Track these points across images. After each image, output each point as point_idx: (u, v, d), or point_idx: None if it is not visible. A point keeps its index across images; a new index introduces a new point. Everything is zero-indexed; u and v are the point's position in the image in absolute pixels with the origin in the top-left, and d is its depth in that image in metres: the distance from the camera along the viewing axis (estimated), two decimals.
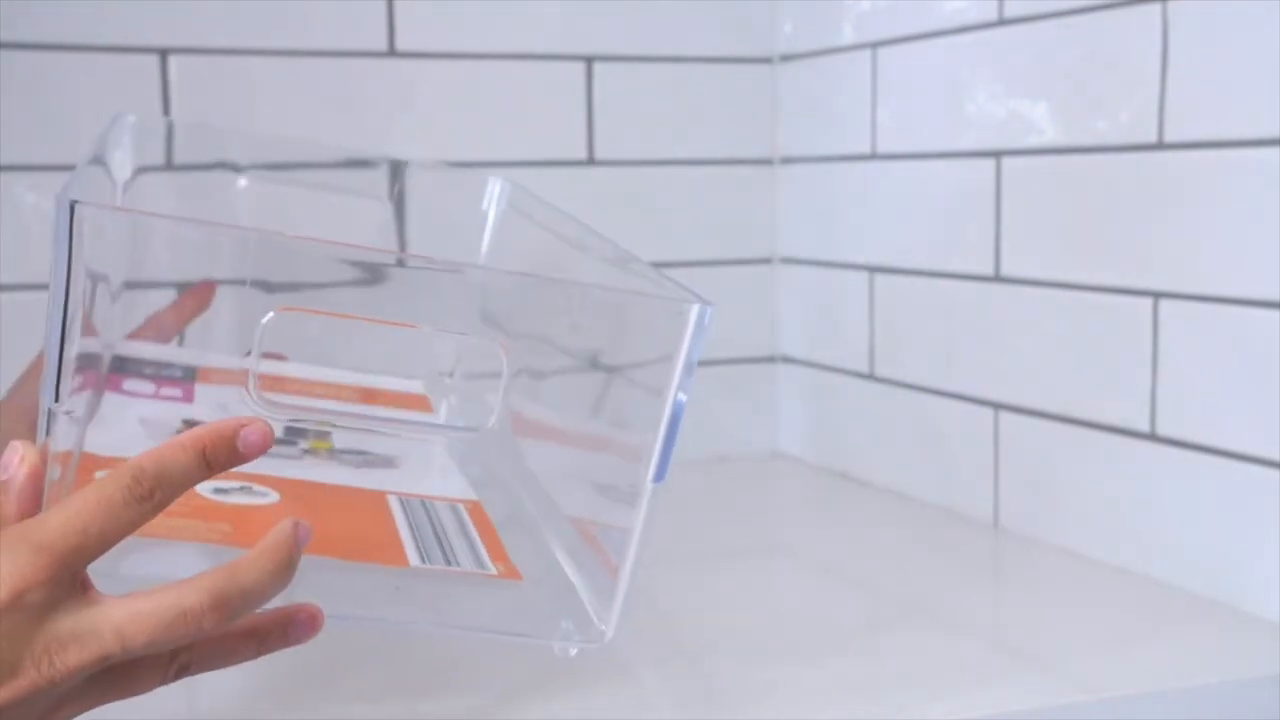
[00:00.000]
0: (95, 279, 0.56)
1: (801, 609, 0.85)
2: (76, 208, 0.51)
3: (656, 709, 0.68)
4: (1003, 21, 0.97)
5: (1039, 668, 0.73)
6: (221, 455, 0.51)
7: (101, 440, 0.63)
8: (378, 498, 0.69)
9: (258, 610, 0.52)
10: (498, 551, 0.66)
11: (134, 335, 0.79)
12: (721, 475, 1.20)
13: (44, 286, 0.53)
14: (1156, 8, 0.84)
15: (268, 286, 0.63)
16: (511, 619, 0.64)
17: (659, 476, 0.59)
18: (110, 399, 0.72)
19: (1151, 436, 0.86)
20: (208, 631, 0.50)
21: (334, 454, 0.73)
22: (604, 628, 0.62)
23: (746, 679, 0.72)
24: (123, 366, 0.75)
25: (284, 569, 0.52)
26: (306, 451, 0.73)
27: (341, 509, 0.67)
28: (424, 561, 0.63)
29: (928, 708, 0.68)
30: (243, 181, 0.87)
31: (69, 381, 0.53)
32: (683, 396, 0.59)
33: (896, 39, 1.08)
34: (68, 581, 0.48)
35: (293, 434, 0.73)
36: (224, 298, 0.77)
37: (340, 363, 0.82)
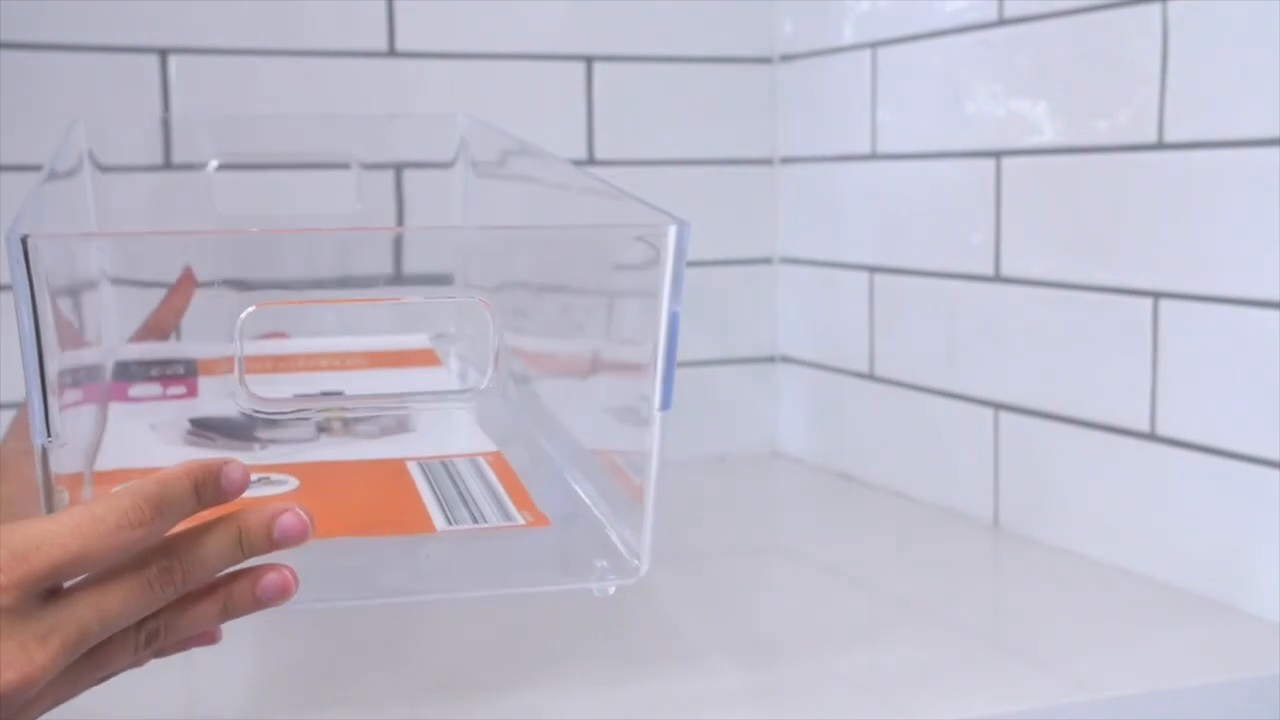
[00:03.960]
0: (75, 292, 0.55)
1: (801, 609, 0.85)
2: (29, 241, 0.48)
3: (654, 709, 0.68)
4: (1003, 21, 0.97)
5: (1039, 668, 0.73)
6: (209, 490, 0.51)
7: (115, 453, 0.62)
8: (397, 466, 0.69)
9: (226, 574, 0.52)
10: (523, 500, 0.65)
11: (135, 339, 0.78)
12: (721, 475, 1.20)
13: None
14: (1156, 8, 0.84)
15: (241, 285, 0.63)
16: (544, 568, 0.64)
17: (665, 405, 0.59)
18: (119, 409, 0.72)
19: (1151, 436, 0.86)
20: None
21: (348, 425, 0.73)
22: (637, 562, 0.61)
23: (746, 679, 0.72)
24: (127, 372, 0.75)
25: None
26: (321, 429, 0.72)
27: (362, 484, 0.67)
28: (450, 523, 0.62)
29: (928, 708, 0.68)
30: (214, 164, 0.87)
31: (57, 414, 0.51)
32: (677, 309, 0.57)
33: (896, 39, 1.08)
34: (39, 594, 0.47)
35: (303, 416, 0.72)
36: (212, 291, 0.77)
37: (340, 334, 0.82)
